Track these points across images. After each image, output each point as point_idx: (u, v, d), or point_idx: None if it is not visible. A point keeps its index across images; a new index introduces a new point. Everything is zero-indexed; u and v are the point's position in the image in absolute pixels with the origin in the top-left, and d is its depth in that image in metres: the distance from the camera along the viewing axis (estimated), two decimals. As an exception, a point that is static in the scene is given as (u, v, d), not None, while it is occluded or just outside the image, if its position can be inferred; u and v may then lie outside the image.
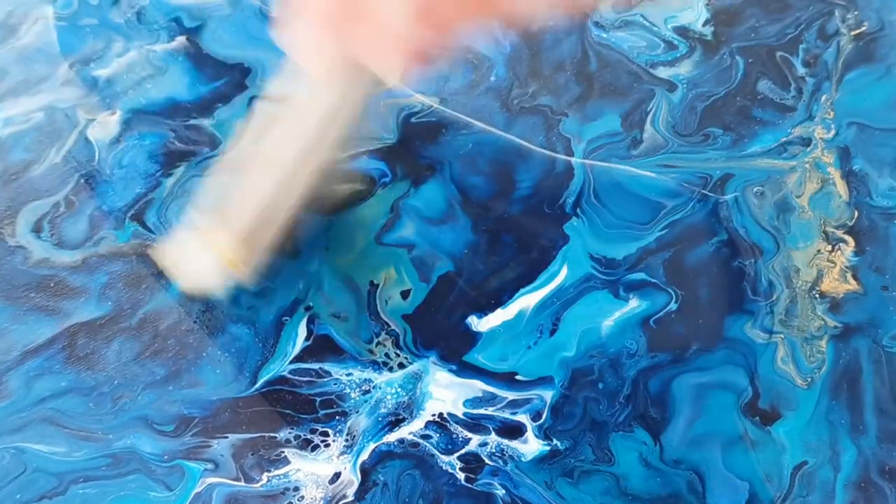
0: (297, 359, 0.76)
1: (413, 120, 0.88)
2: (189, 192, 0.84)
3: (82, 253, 0.82)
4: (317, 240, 0.82)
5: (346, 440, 0.73)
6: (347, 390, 0.75)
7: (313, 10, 0.65)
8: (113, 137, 0.88)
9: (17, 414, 0.74)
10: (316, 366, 0.76)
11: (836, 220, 0.81)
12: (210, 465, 0.72)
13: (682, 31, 0.91)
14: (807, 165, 0.84)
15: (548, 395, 0.75)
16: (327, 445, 0.73)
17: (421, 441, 0.73)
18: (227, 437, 0.73)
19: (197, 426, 0.74)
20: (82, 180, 0.86)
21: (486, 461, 0.72)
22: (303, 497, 0.71)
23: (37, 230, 0.83)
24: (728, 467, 0.71)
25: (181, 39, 0.93)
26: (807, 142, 0.85)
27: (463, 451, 0.73)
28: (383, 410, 0.75)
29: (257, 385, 0.76)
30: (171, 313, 0.79)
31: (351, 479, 0.72)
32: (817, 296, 0.77)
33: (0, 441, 0.73)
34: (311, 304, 0.79)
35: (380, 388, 0.75)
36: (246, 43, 0.94)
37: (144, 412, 0.75)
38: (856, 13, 0.90)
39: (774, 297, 0.77)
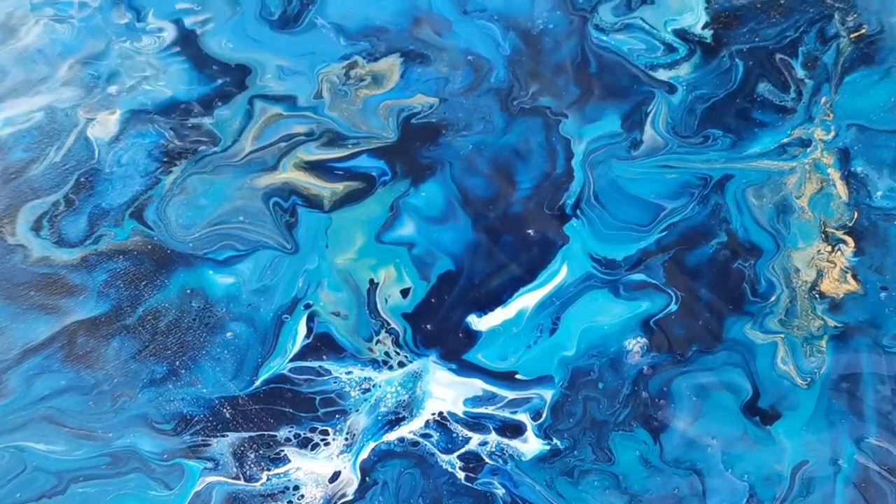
0: (297, 357, 0.76)
1: (413, 121, 0.88)
2: (187, 189, 0.84)
3: (82, 251, 0.82)
4: (317, 238, 0.82)
5: (346, 439, 0.73)
6: (347, 389, 0.75)
7: None
8: (112, 136, 0.88)
9: (16, 412, 0.74)
10: (316, 364, 0.76)
11: (835, 220, 0.81)
12: (210, 464, 0.72)
13: (682, 33, 0.91)
14: (806, 167, 0.84)
15: (548, 394, 0.75)
16: (327, 444, 0.73)
17: (421, 440, 0.73)
18: (226, 436, 0.73)
19: (196, 424, 0.74)
20: (82, 179, 0.86)
21: (487, 460, 0.72)
22: (303, 496, 0.71)
23: (36, 228, 0.83)
24: (728, 467, 0.71)
25: (181, 40, 0.93)
26: (806, 143, 0.85)
27: (463, 450, 0.73)
28: (383, 409, 0.74)
29: (257, 383, 0.75)
30: (170, 311, 0.79)
31: (351, 478, 0.72)
32: (817, 296, 0.77)
33: (-1, 439, 0.73)
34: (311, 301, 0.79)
35: (380, 386, 0.75)
36: (246, 44, 0.94)
37: (144, 410, 0.74)
38: (855, 16, 0.90)
39: (774, 298, 0.78)
